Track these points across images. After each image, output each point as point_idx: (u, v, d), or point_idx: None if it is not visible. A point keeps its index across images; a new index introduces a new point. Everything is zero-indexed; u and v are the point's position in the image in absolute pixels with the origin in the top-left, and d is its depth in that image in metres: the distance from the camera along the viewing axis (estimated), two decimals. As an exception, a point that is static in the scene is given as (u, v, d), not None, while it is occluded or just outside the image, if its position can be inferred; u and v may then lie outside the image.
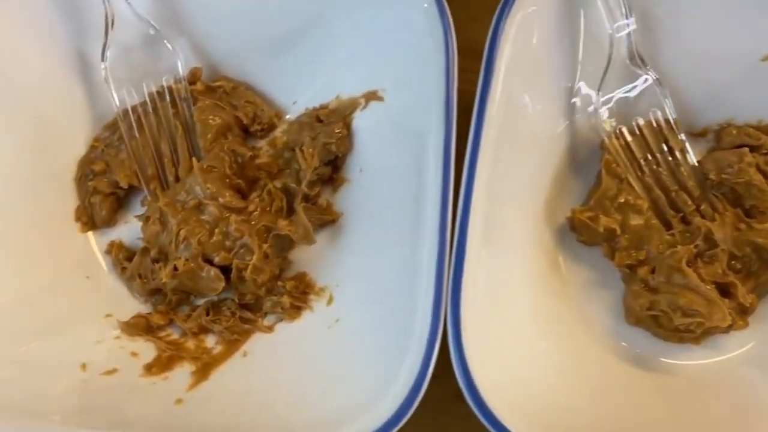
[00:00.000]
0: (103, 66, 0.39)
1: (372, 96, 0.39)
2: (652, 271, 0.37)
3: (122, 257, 0.39)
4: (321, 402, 0.32)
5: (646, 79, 0.39)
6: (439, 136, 0.33)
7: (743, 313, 0.38)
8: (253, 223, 0.38)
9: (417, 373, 0.29)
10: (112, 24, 0.38)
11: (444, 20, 0.34)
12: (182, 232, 0.37)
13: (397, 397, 0.29)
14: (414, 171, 0.34)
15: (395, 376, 0.30)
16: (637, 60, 0.38)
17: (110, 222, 0.40)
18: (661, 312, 0.37)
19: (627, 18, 0.37)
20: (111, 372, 0.34)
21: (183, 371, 0.35)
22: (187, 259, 0.36)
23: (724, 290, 0.37)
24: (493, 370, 0.32)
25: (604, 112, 0.39)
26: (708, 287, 0.36)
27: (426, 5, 0.35)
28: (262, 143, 0.42)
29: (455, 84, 0.34)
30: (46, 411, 0.32)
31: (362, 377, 0.32)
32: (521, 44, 0.36)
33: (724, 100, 0.40)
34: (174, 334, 0.38)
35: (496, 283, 0.34)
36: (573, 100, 0.40)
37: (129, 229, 0.40)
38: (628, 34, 0.37)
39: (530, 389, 0.33)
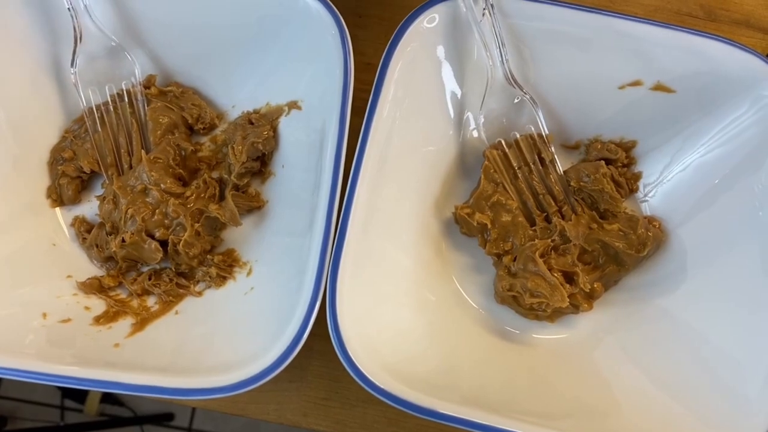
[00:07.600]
0: (72, 71, 0.46)
1: (293, 105, 0.46)
2: (514, 259, 0.45)
3: (83, 229, 0.47)
4: (227, 351, 0.40)
5: (522, 99, 0.46)
6: (334, 139, 0.40)
7: (589, 297, 0.45)
8: (189, 206, 0.46)
9: (297, 330, 0.37)
10: (81, 37, 0.46)
11: (344, 45, 0.41)
12: (129, 211, 0.45)
13: (281, 348, 0.37)
14: (316, 166, 0.42)
15: (283, 332, 0.38)
16: (512, 83, 0.45)
17: (75, 200, 0.48)
18: (518, 293, 0.44)
19: (501, 50, 0.44)
20: (66, 320, 0.43)
21: (125, 323, 0.44)
22: (132, 233, 0.45)
23: (570, 278, 0.45)
24: (364, 328, 0.39)
25: (486, 127, 0.47)
26: (555, 275, 0.44)
27: (333, 32, 0.42)
28: (205, 140, 0.50)
29: (350, 96, 0.40)
30: (21, 347, 0.40)
31: (261, 333, 0.40)
32: (406, 77, 0.43)
33: (593, 120, 0.48)
34: (122, 294, 0.46)
35: (377, 261, 0.42)
36: (464, 117, 0.47)
37: (91, 207, 0.49)
38: (502, 63, 0.44)
39: (398, 349, 0.41)
